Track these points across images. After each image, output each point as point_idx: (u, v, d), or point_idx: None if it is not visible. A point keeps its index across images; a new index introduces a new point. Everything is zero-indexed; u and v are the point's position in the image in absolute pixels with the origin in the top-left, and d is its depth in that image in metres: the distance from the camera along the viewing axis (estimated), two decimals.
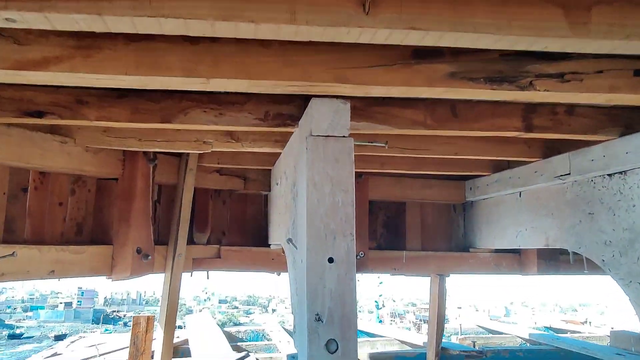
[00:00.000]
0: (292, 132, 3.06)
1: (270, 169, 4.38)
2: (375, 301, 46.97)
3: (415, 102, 2.97)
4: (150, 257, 3.66)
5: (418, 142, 3.67)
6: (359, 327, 7.96)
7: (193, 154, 4.02)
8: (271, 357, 5.33)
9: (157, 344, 4.01)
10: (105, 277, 3.69)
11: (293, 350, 5.32)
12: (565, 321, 12.50)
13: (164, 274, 4.07)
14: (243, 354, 4.74)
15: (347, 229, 2.34)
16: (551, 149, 3.91)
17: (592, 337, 6.98)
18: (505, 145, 3.86)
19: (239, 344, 6.08)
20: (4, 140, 2.96)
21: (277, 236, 3.94)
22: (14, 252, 2.91)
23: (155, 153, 3.77)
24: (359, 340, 6.99)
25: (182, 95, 2.76)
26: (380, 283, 48.74)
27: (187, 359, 4.96)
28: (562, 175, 3.69)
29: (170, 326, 4.00)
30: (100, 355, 4.93)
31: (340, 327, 2.26)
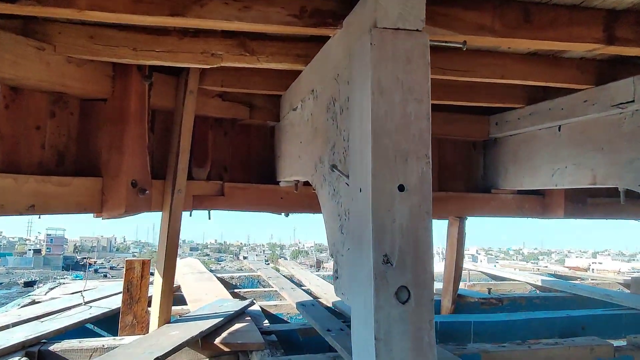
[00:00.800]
0: (325, 39, 2.51)
1: (281, 95, 3.81)
2: None
3: (482, 3, 2.43)
4: (147, 192, 3.12)
5: (463, 61, 3.15)
6: None
7: (194, 72, 3.42)
8: (276, 305, 4.91)
9: (153, 295, 3.52)
10: (94, 214, 3.15)
11: (299, 297, 4.90)
12: (568, 267, 12.46)
13: (160, 212, 3.53)
14: (248, 301, 4.29)
15: (422, 149, 1.84)
16: (605, 75, 3.45)
17: (602, 283, 6.79)
18: (557, 68, 3.38)
19: (235, 290, 5.65)
20: None
21: (293, 170, 3.42)
22: None
23: (150, 69, 3.17)
24: None
25: None
26: None
27: (184, 308, 4.50)
28: (622, 104, 3.23)
29: (170, 271, 3.50)
30: (86, 302, 4.42)
31: (413, 271, 1.79)
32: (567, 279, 7.25)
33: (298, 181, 3.75)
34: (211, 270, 6.96)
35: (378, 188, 1.77)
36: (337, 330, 3.48)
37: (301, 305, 4.44)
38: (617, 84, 3.25)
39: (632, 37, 2.61)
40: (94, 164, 3.14)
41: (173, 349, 2.90)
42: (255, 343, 3.27)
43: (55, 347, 3.21)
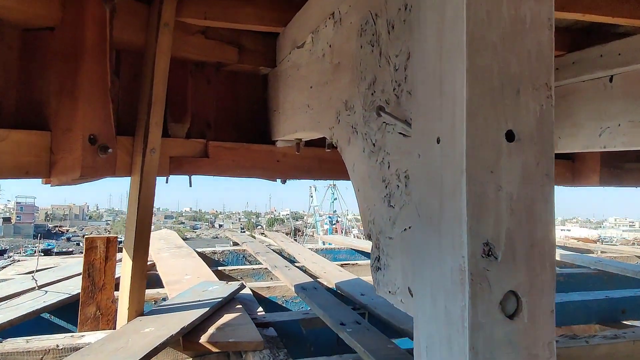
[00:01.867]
0: None
1: (278, 34, 3.09)
2: (329, 216, 46.69)
3: None
4: (110, 151, 2.39)
5: None
6: (349, 245, 6.97)
7: (169, 2, 2.66)
8: (268, 287, 4.24)
9: (121, 281, 2.81)
10: (41, 179, 2.43)
11: (296, 277, 4.24)
12: (576, 239, 12.06)
13: (129, 178, 2.81)
14: (237, 284, 3.61)
15: (541, 75, 1.17)
16: None
17: (619, 257, 6.31)
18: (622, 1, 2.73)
19: (219, 268, 4.97)
20: None
21: (294, 126, 2.73)
22: None
23: None
24: (357, 263, 5.99)
25: None
26: (335, 199, 48.47)
27: (160, 291, 3.81)
28: None
29: (142, 250, 2.80)
30: (39, 287, 3.69)
31: (527, 266, 1.15)
32: (579, 252, 6.77)
33: (301, 140, 3.06)
34: (186, 239, 6.27)
35: (476, 135, 1.10)
36: (353, 324, 2.85)
37: (301, 289, 3.78)
38: None
39: None
40: (40, 114, 2.39)
41: (145, 355, 2.22)
42: (252, 342, 2.62)
43: None
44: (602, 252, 6.94)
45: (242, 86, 3.45)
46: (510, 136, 1.13)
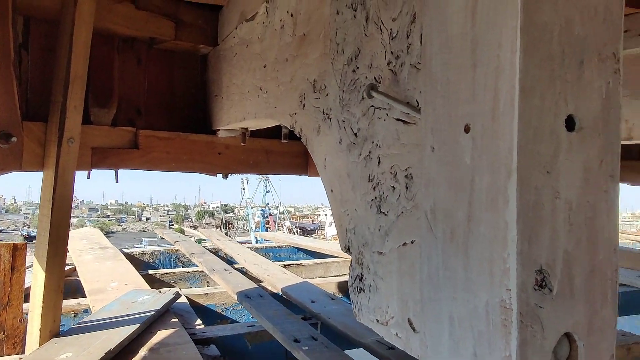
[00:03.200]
0: None
1: (221, 7, 2.69)
2: (262, 209, 46.07)
3: None
4: (15, 140, 1.93)
5: None
6: (293, 243, 6.60)
7: None
8: (207, 294, 3.79)
9: (31, 295, 2.33)
10: None
11: (237, 282, 3.81)
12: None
13: (42, 173, 2.34)
14: (171, 294, 3.15)
15: (609, 42, 0.89)
16: None
17: None
18: None
19: (149, 272, 4.48)
20: None
21: (242, 113, 2.35)
22: None
23: None
24: (303, 262, 5.63)
25: None
26: (267, 192, 47.91)
27: (81, 302, 3.30)
28: None
29: (58, 259, 2.33)
30: None
31: (585, 299, 0.86)
32: None
33: (247, 130, 2.68)
34: (112, 232, 5.70)
35: (531, 122, 0.79)
36: (308, 341, 2.51)
37: (245, 296, 3.38)
38: None
39: None
40: None
41: None
42: None
43: None
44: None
45: (178, 67, 3.02)
46: (570, 124, 0.83)
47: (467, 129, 0.88)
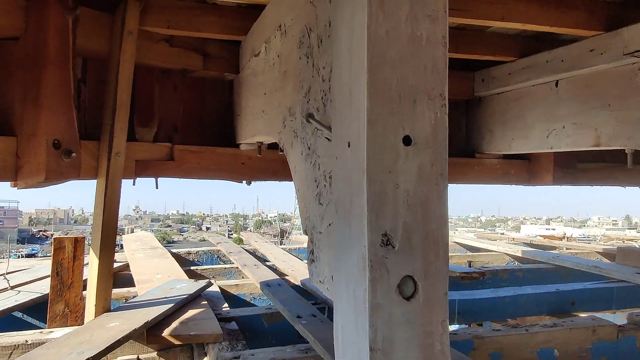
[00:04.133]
0: None
1: (240, 41, 3.23)
2: None
3: None
4: (74, 155, 2.52)
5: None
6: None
7: (132, 9, 2.80)
8: (237, 285, 4.38)
9: (88, 279, 2.94)
10: (9, 183, 2.55)
11: (264, 275, 4.39)
12: (543, 237, 12.31)
13: (95, 181, 2.94)
14: (204, 282, 3.74)
15: (436, 87, 1.33)
16: (617, 20, 3.01)
17: (580, 254, 6.52)
18: (564, 10, 2.91)
19: (192, 268, 5.10)
20: None
21: (256, 128, 2.87)
22: None
23: (76, 1, 2.53)
24: None
25: None
26: None
27: (130, 290, 3.93)
28: (638, 52, 2.80)
29: (108, 250, 2.93)
30: (11, 287, 3.80)
31: (422, 255, 1.30)
32: (544, 249, 6.99)
33: (262, 143, 3.20)
34: (174, 242, 6.38)
35: (376, 140, 1.26)
36: (309, 317, 3.00)
37: (266, 285, 3.93)
38: (632, 29, 2.80)
39: None
40: (5, 120, 2.52)
41: (108, 347, 2.36)
42: (212, 334, 2.76)
43: None
44: (567, 248, 7.18)
45: (208, 92, 3.60)
46: (407, 140, 1.29)
47: (349, 145, 1.36)
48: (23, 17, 2.44)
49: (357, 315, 1.31)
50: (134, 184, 3.26)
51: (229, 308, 3.44)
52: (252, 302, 4.31)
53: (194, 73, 3.45)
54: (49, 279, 3.86)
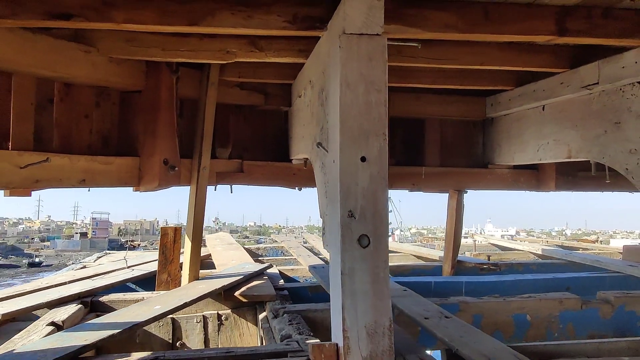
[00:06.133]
0: (318, 39, 3.02)
1: (291, 84, 4.34)
2: None
3: (447, 4, 2.89)
4: (176, 169, 3.72)
5: (444, 51, 3.60)
6: None
7: (215, 67, 3.98)
8: (293, 269, 5.50)
9: (183, 257, 4.14)
10: (132, 188, 3.77)
11: (314, 262, 5.48)
12: (577, 240, 12.67)
13: (189, 187, 4.14)
14: (266, 264, 4.88)
15: (380, 129, 2.34)
16: (579, 59, 3.84)
17: (603, 253, 7.11)
18: (533, 54, 3.79)
19: (259, 259, 6.27)
20: (30, 47, 2.95)
21: (299, 149, 3.96)
22: (47, 157, 2.96)
23: (177, 65, 3.74)
24: None
25: None
26: (390, 211, 49.06)
27: (212, 270, 5.13)
28: (589, 85, 3.63)
29: (197, 236, 4.11)
30: (129, 266, 5.11)
31: (372, 223, 2.31)
32: (571, 249, 7.61)
33: (306, 159, 4.29)
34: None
35: (345, 159, 2.30)
36: None
37: (312, 267, 5.01)
38: (585, 68, 3.65)
39: (583, 28, 3.03)
40: (133, 146, 3.76)
41: (199, 297, 3.52)
42: (268, 294, 3.86)
43: (104, 299, 3.88)
44: (599, 250, 7.73)
45: (269, 120, 4.75)
46: (363, 159, 2.32)
47: (334, 161, 2.40)
48: (144, 78, 3.67)
49: (336, 256, 2.35)
50: (215, 189, 4.45)
51: (284, 283, 4.54)
52: (302, 282, 5.40)
53: (258, 107, 4.60)
54: (153, 262, 5.14)
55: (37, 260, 64.47)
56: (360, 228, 2.31)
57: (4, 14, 2.57)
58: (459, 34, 2.94)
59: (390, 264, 6.15)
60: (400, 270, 5.65)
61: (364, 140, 2.32)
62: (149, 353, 2.58)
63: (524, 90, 4.42)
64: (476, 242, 8.14)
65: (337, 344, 2.36)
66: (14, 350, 2.57)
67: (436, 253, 6.61)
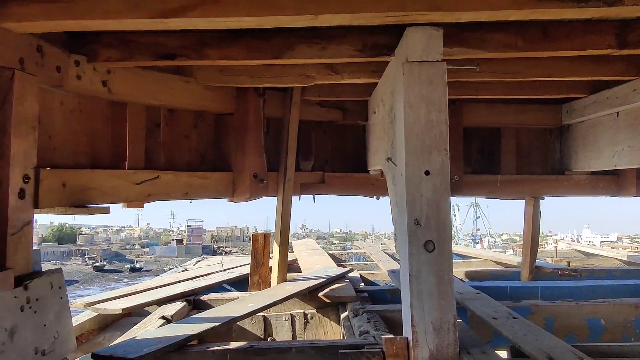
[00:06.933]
0: (389, 62, 3.32)
1: (367, 100, 4.67)
2: (472, 235, 46.57)
3: (506, 26, 3.10)
4: (264, 182, 4.15)
5: (511, 65, 3.78)
6: (454, 251, 8.26)
7: (297, 88, 4.39)
8: (373, 273, 5.81)
9: (272, 261, 4.57)
10: (227, 199, 4.25)
11: (393, 267, 5.75)
12: None
13: (276, 197, 4.57)
14: (348, 268, 5.24)
15: (441, 145, 2.61)
16: None
17: None
18: (602, 64, 3.86)
19: (342, 263, 6.63)
20: (140, 81, 3.48)
21: (375, 161, 4.28)
22: (158, 175, 3.47)
23: (264, 89, 4.19)
24: (454, 261, 7.32)
25: (289, 34, 3.09)
26: (477, 217, 48.10)
27: (299, 274, 5.55)
28: None
29: (284, 242, 4.53)
30: (224, 269, 5.65)
31: (436, 230, 2.58)
32: None
33: (382, 170, 4.59)
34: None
35: (410, 173, 2.59)
36: None
37: (392, 272, 5.29)
38: None
39: None
40: (226, 162, 4.24)
41: (287, 296, 3.92)
42: (349, 296, 4.20)
43: (204, 297, 4.39)
44: None
45: (347, 134, 5.10)
46: (427, 173, 2.60)
47: (401, 175, 2.70)
48: (235, 102, 4.15)
49: (405, 260, 2.65)
50: (299, 199, 4.87)
51: (364, 285, 4.86)
52: (382, 285, 5.68)
53: (337, 122, 4.97)
54: (245, 266, 5.65)
55: (137, 265, 68.88)
56: (425, 234, 2.59)
57: (122, 57, 3.10)
58: (518, 52, 3.13)
59: (468, 269, 6.34)
60: (478, 276, 5.79)
61: (427, 155, 2.60)
62: (245, 343, 3.00)
63: (597, 97, 4.47)
64: (557, 248, 8.01)
65: (407, 338, 2.66)
66: (135, 337, 3.08)
67: (515, 259, 6.65)
